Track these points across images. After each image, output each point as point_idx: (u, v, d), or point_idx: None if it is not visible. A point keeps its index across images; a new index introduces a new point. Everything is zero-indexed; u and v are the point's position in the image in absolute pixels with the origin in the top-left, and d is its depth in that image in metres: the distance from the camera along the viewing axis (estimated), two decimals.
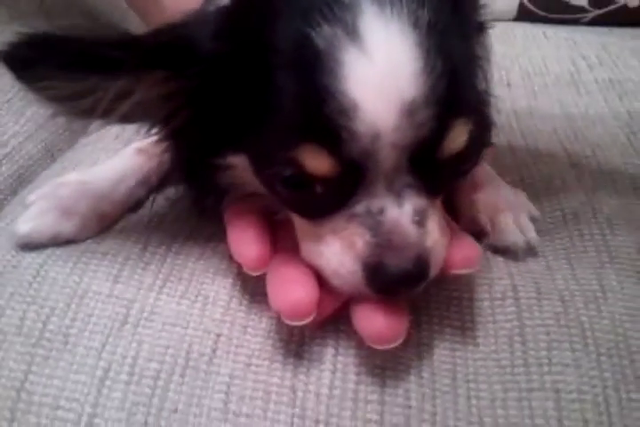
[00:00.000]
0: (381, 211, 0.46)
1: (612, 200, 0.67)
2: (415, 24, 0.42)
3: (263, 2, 0.47)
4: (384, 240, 0.46)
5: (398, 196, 0.47)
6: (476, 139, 0.48)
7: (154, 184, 0.66)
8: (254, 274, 0.52)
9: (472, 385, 0.51)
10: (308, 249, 0.51)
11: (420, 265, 0.47)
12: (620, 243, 0.61)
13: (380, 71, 0.41)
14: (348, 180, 0.45)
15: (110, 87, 0.45)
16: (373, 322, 0.48)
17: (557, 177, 0.70)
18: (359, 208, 0.47)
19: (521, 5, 1.15)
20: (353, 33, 0.41)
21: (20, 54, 0.44)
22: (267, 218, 0.56)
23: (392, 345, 0.48)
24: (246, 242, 0.53)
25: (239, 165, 0.51)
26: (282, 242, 0.54)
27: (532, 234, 0.61)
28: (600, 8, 1.13)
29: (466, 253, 0.52)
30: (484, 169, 0.66)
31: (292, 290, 0.48)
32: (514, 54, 0.96)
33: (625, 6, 1.12)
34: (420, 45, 0.42)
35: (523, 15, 1.14)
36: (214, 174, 0.54)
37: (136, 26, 1.03)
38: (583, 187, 0.69)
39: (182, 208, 0.65)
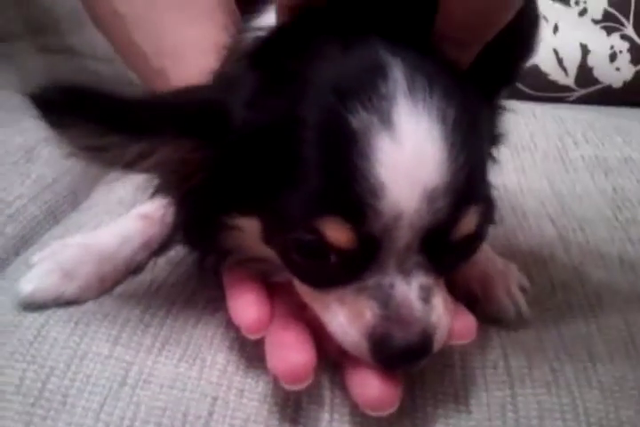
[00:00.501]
0: (392, 286, 0.48)
1: (599, 272, 0.70)
2: (443, 120, 0.45)
3: (298, 74, 0.48)
4: (392, 313, 0.48)
5: (408, 273, 0.49)
6: (485, 222, 0.51)
7: (155, 248, 0.68)
8: (253, 338, 0.53)
9: None
10: (317, 312, 0.52)
11: (425, 340, 0.49)
12: (607, 315, 0.63)
13: (408, 159, 0.44)
14: (363, 254, 0.47)
15: (134, 146, 0.46)
16: (368, 389, 0.49)
17: (546, 249, 0.73)
18: (370, 282, 0.49)
19: None
20: (387, 121, 0.44)
21: (50, 98, 0.43)
22: (265, 281, 0.58)
23: (387, 412, 0.49)
24: (245, 305, 0.54)
25: (247, 228, 0.52)
26: (280, 305, 0.55)
27: (523, 305, 0.63)
28: (585, 87, 1.19)
29: (464, 324, 0.53)
30: None
31: (291, 355, 0.50)
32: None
33: (610, 87, 1.18)
34: (445, 139, 0.45)
35: (512, 92, 1.19)
36: (218, 235, 0.55)
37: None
38: (571, 259, 0.71)
39: (182, 271, 0.66)
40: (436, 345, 0.50)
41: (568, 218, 0.78)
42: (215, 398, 0.53)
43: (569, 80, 1.20)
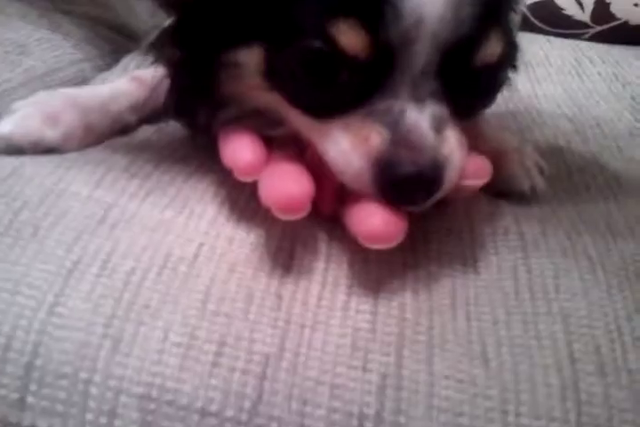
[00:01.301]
0: (402, 112, 0.44)
1: (617, 163, 0.65)
2: None
3: None
4: (401, 138, 0.44)
5: (421, 101, 0.44)
6: (506, 59, 0.47)
7: (145, 113, 0.63)
8: (246, 179, 0.48)
9: (472, 308, 0.47)
10: (318, 145, 0.48)
11: (435, 170, 0.44)
12: (627, 195, 0.59)
13: None
14: (377, 68, 0.43)
15: None
16: (370, 218, 0.44)
17: (562, 139, 0.68)
18: (380, 106, 0.44)
19: (524, 18, 1.16)
20: None
21: None
22: (262, 136, 0.53)
23: (388, 244, 0.44)
24: (239, 148, 0.49)
25: (247, 62, 0.48)
26: (276, 154, 0.51)
27: (538, 178, 0.59)
28: (601, 24, 1.15)
29: (476, 164, 0.49)
30: (487, 120, 0.64)
31: (285, 184, 0.45)
32: None
33: (626, 23, 1.14)
34: None
35: (525, 28, 1.15)
36: (215, 82, 0.50)
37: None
38: (589, 150, 0.67)
39: (175, 138, 0.62)
40: (447, 181, 0.45)
41: (585, 117, 0.74)
42: (202, 244, 0.49)
43: (585, 16, 1.15)
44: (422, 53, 0.42)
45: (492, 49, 0.44)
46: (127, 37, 1.07)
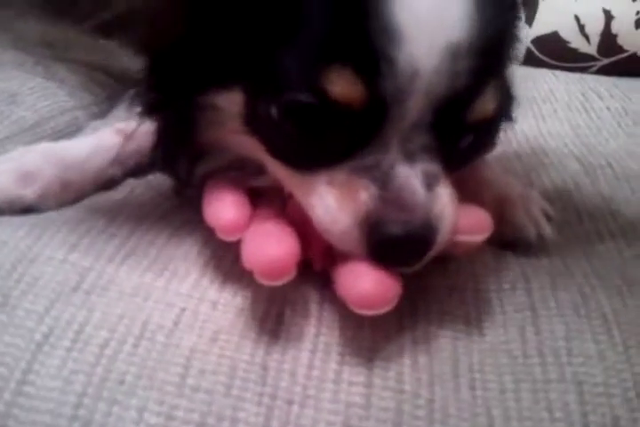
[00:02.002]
0: (392, 167, 0.41)
1: (630, 207, 0.62)
2: None
3: None
4: (391, 195, 0.41)
5: (412, 156, 0.41)
6: (500, 113, 0.45)
7: (129, 166, 0.61)
8: (230, 239, 0.45)
9: (477, 375, 0.43)
10: (301, 199, 0.45)
11: (428, 229, 0.41)
12: None
13: (433, 4, 0.38)
14: (368, 121, 0.40)
15: None
16: (360, 281, 0.41)
17: (570, 182, 0.65)
18: (368, 160, 0.41)
19: (529, 52, 1.14)
20: None
21: None
22: (247, 190, 0.50)
23: (381, 310, 0.40)
24: (222, 206, 0.47)
25: (227, 106, 0.45)
26: (261, 210, 0.48)
27: (546, 227, 0.55)
28: (609, 56, 1.12)
29: (476, 219, 0.45)
30: (491, 166, 0.61)
31: (269, 245, 0.42)
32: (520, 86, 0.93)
33: (635, 55, 1.11)
34: None
35: (530, 62, 1.12)
36: (195, 126, 0.48)
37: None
38: (599, 193, 0.63)
39: (159, 193, 0.59)
40: (440, 240, 0.42)
41: (594, 156, 0.70)
42: (183, 309, 0.45)
43: (591, 48, 1.12)
44: (415, 107, 0.39)
45: (486, 105, 0.42)
46: (125, 83, 1.06)
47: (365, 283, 0.40)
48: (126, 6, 0.42)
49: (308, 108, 0.40)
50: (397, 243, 0.40)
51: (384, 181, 0.41)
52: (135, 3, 0.42)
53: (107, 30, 0.43)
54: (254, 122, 0.44)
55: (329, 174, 0.42)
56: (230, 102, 0.44)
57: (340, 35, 0.39)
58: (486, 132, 0.46)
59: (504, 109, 0.46)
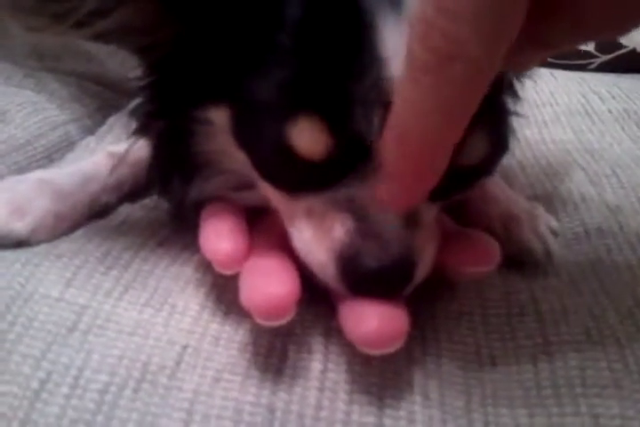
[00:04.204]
0: (370, 199, 0.40)
1: (638, 217, 0.60)
2: None
3: None
4: (367, 229, 0.39)
5: None
6: (496, 151, 0.43)
7: (126, 191, 0.59)
8: (227, 273, 0.44)
9: (490, 409, 0.42)
10: (286, 223, 0.44)
11: (404, 264, 0.40)
12: None
13: None
14: (341, 164, 0.39)
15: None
16: (364, 320, 0.39)
17: (576, 193, 0.63)
18: (346, 192, 0.40)
19: None
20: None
21: None
22: (246, 214, 0.49)
23: (389, 349, 0.39)
24: (218, 237, 0.45)
25: (217, 120, 0.44)
26: (261, 239, 0.46)
27: (553, 244, 0.54)
28: (608, 53, 1.10)
29: (484, 249, 0.44)
30: (496, 182, 0.60)
31: (268, 284, 0.40)
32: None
33: (634, 51, 1.09)
34: None
35: None
36: (189, 136, 0.46)
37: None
38: (606, 204, 0.62)
39: (156, 217, 0.57)
40: (419, 273, 0.41)
41: (599, 164, 0.68)
42: (185, 347, 0.44)
43: (589, 45, 1.10)
44: None
45: (473, 152, 0.40)
46: (116, 93, 1.04)
47: (371, 322, 0.39)
48: (121, 19, 0.40)
49: (280, 154, 0.39)
50: (374, 278, 0.39)
51: (362, 215, 0.40)
52: (129, 16, 0.40)
53: (105, 38, 0.42)
54: (239, 138, 0.43)
55: (309, 202, 0.41)
56: (219, 117, 0.43)
57: (307, 80, 0.37)
58: (474, 175, 0.44)
59: (497, 154, 0.44)
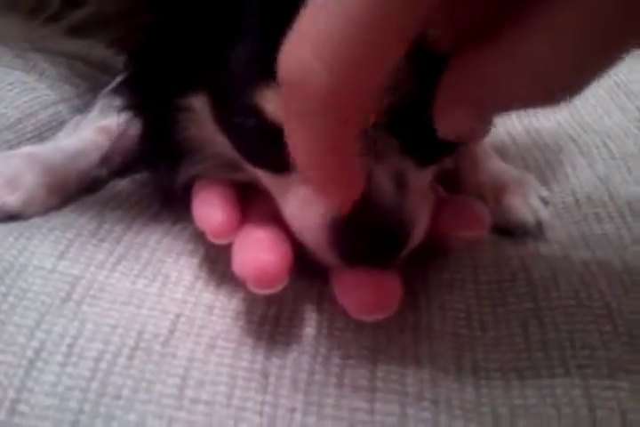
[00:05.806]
0: None
1: (629, 187, 0.60)
2: None
3: None
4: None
5: (379, 155, 0.40)
6: None
7: (115, 165, 0.59)
8: (220, 242, 0.44)
9: (481, 373, 0.42)
10: (277, 198, 0.44)
11: (399, 227, 0.40)
12: None
13: None
14: None
15: None
16: (357, 287, 0.40)
17: (567, 164, 0.63)
18: None
19: None
20: None
21: None
22: (238, 189, 0.49)
23: (382, 316, 0.39)
24: (211, 208, 0.45)
25: (198, 107, 0.44)
26: (253, 212, 0.46)
27: (543, 213, 0.54)
28: None
29: (474, 213, 0.44)
30: (487, 152, 0.60)
31: (260, 253, 0.41)
32: None
33: None
34: None
35: None
36: (174, 124, 0.47)
37: None
38: (596, 173, 0.62)
39: (148, 192, 0.58)
40: (414, 238, 0.41)
41: (590, 135, 0.69)
42: (178, 316, 0.44)
43: None
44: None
45: None
46: (107, 72, 1.03)
47: (364, 289, 0.39)
48: (96, 8, 0.39)
49: (256, 128, 0.39)
50: (366, 243, 0.39)
51: None
52: (105, 5, 0.39)
53: (81, 30, 0.41)
54: (219, 121, 0.43)
55: (295, 176, 0.41)
56: (200, 104, 0.44)
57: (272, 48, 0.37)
58: None
59: None
